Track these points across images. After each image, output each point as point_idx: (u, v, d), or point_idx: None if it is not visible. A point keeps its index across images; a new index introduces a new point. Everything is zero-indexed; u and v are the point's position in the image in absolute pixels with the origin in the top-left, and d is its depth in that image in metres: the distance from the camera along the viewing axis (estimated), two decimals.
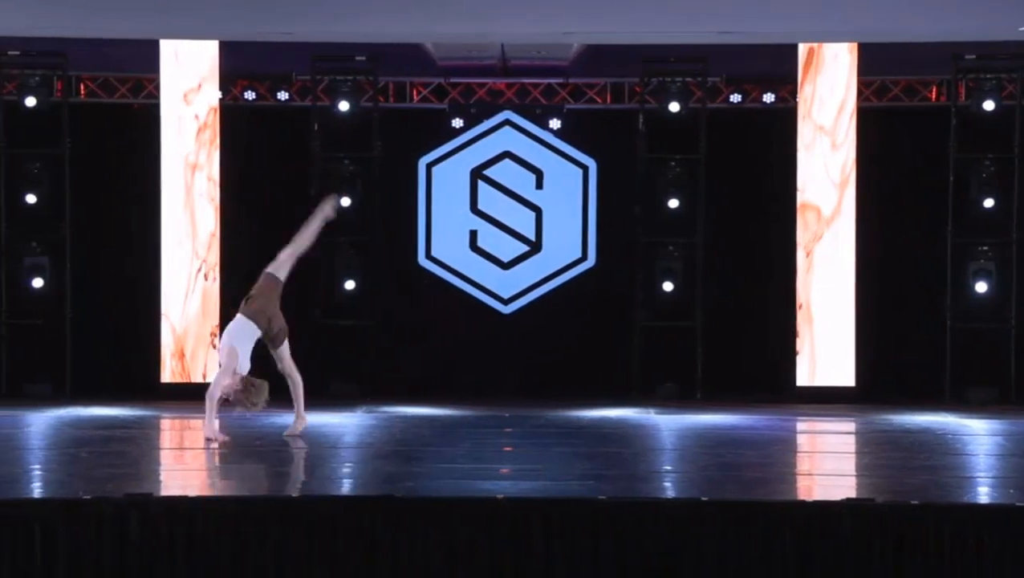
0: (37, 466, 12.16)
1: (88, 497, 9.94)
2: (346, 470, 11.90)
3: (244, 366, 12.51)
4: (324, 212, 13.25)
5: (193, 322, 16.08)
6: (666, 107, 16.19)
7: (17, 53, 15.84)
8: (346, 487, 11.28)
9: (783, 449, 13.47)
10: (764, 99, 16.32)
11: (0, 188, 15.92)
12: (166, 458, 13.17)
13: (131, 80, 16.29)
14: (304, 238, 13.19)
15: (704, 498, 10.14)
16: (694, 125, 16.21)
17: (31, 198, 15.98)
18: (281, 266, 12.97)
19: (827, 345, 16.12)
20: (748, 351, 16.37)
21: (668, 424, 14.44)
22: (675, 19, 13.47)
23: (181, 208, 16.09)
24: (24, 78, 15.92)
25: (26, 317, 15.99)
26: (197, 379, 15.96)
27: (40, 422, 14.20)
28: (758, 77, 16.31)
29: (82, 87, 16.32)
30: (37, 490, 11.00)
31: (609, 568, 9.82)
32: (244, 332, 12.64)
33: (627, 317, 16.33)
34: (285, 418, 13.51)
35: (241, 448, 12.97)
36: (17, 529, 9.64)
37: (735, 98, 16.39)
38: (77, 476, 11.23)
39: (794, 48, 15.98)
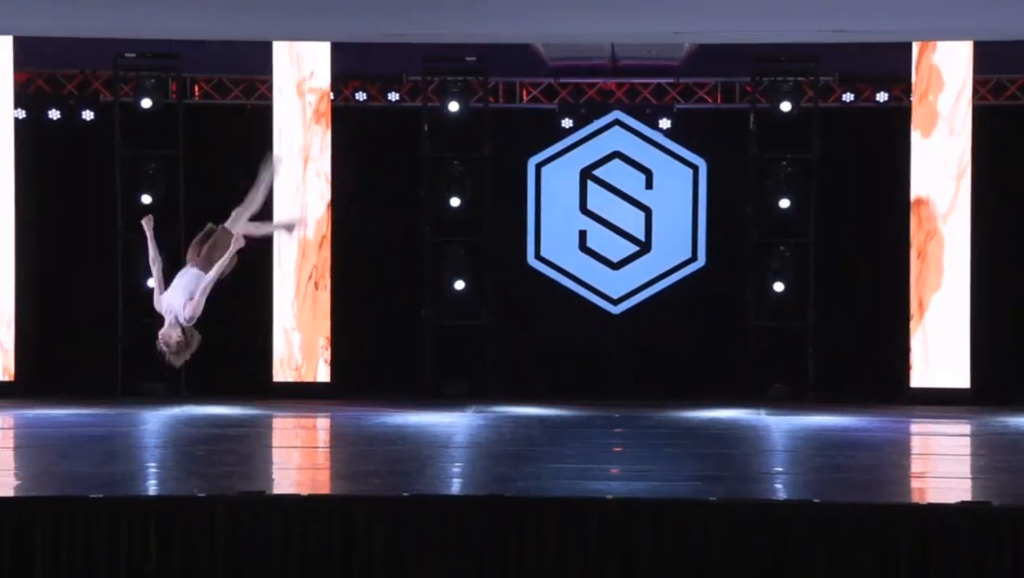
0: (153, 464, 12.33)
1: (202, 495, 10.06)
2: (456, 470, 11.94)
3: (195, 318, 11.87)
4: (269, 171, 12.76)
5: (305, 321, 16.18)
6: (777, 106, 16.08)
7: (133, 55, 16.03)
8: (456, 487, 11.31)
9: (896, 451, 13.33)
10: (877, 98, 16.16)
11: (116, 189, 16.12)
12: (278, 457, 13.29)
13: (244, 81, 16.45)
14: (255, 196, 12.85)
15: (816, 500, 10.06)
16: (806, 124, 16.08)
17: (146, 199, 16.16)
18: (234, 222, 12.52)
19: (941, 345, 15.92)
20: (860, 351, 16.21)
21: (779, 425, 14.34)
22: (788, 18, 13.36)
23: (294, 209, 16.19)
24: (140, 80, 16.11)
25: (142, 317, 16.18)
26: (308, 378, 16.09)
27: (156, 421, 14.38)
28: (871, 76, 16.15)
29: (196, 88, 16.50)
30: (153, 487, 11.15)
31: (719, 570, 9.77)
32: (200, 282, 12.00)
33: (737, 318, 16.24)
34: (395, 418, 13.60)
35: (352, 448, 13.08)
36: (134, 526, 9.78)
37: (847, 97, 16.23)
38: (192, 474, 11.37)
39: (908, 46, 15.81)
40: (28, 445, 13.32)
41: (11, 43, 15.70)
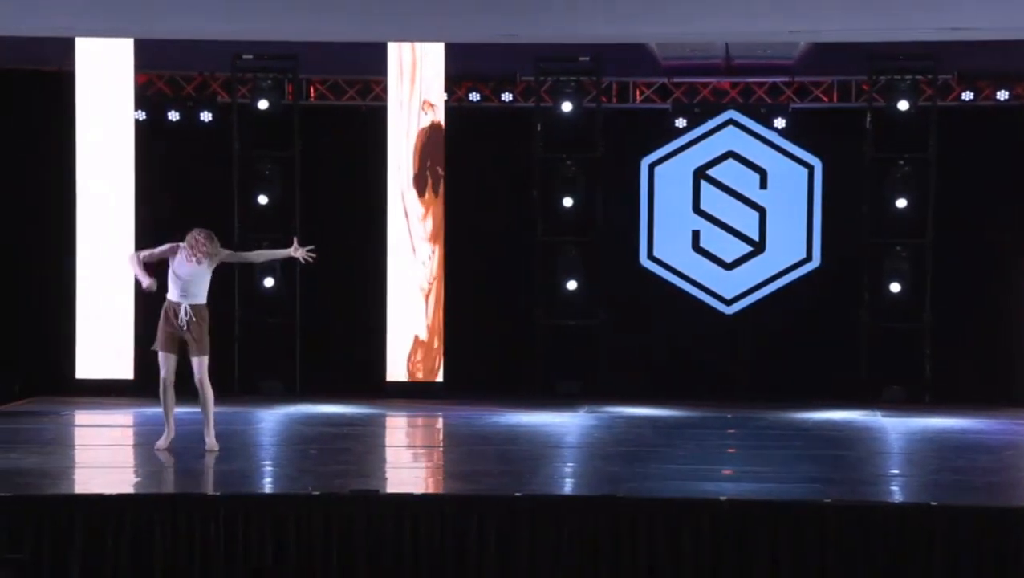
0: (268, 462, 12.45)
1: (316, 493, 10.14)
2: (568, 470, 11.93)
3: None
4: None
5: (419, 321, 16.26)
6: (894, 105, 15.92)
7: (250, 57, 16.20)
8: (568, 487, 11.31)
9: (1016, 453, 13.12)
10: (997, 96, 15.94)
11: (234, 189, 16.31)
12: (391, 456, 13.37)
13: (359, 82, 16.56)
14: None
15: (933, 503, 9.94)
16: (923, 123, 15.91)
17: (263, 199, 16.34)
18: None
19: None
20: (978, 353, 16.00)
21: (895, 427, 14.20)
22: (906, 16, 13.22)
23: (406, 208, 16.29)
24: (257, 81, 16.28)
25: (258, 316, 16.36)
26: (421, 378, 16.17)
27: (271, 419, 14.52)
28: (992, 74, 15.93)
29: (312, 90, 16.64)
30: (268, 485, 11.25)
31: (835, 573, 9.69)
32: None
33: (853, 318, 16.09)
34: (507, 418, 13.61)
35: (465, 447, 13.12)
36: (250, 523, 9.88)
37: (967, 96, 16.03)
38: (306, 472, 11.46)
39: None
40: (147, 443, 13.49)
41: (132, 46, 15.93)
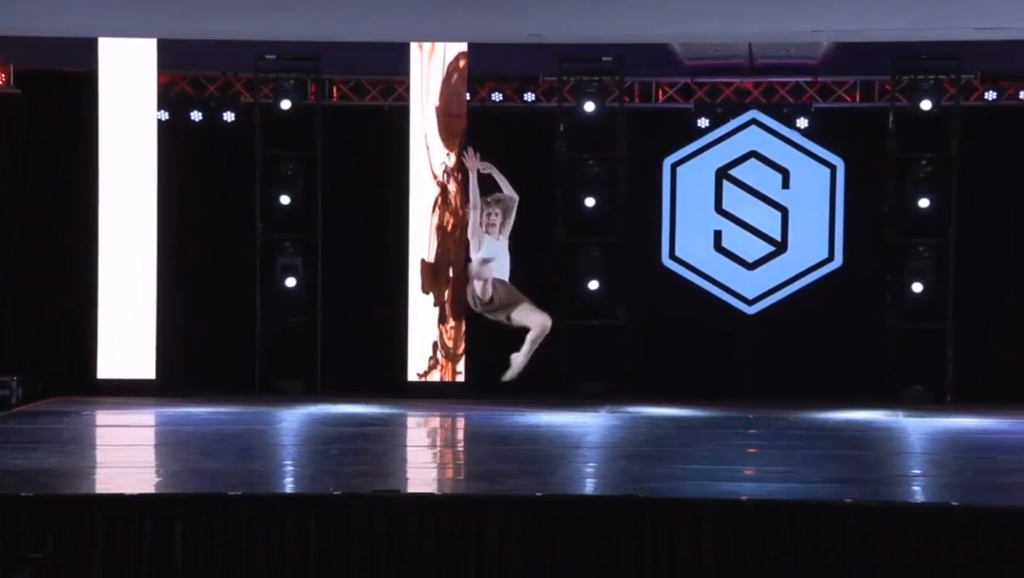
0: (289, 462, 12.47)
1: (338, 493, 10.15)
2: (589, 470, 11.93)
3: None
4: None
5: (441, 321, 16.27)
6: (917, 105, 15.88)
7: (273, 57, 16.22)
8: (589, 487, 11.31)
9: None
10: (1021, 96, 15.89)
11: (256, 189, 16.33)
12: (412, 455, 13.38)
13: (382, 83, 16.57)
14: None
15: (955, 503, 9.92)
16: (946, 123, 15.86)
17: (285, 199, 16.37)
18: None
19: None
20: (1001, 353, 15.95)
21: (917, 427, 14.16)
22: (929, 15, 13.19)
23: (430, 210, 16.29)
24: (279, 82, 16.30)
25: (279, 316, 16.38)
26: (442, 377, 16.19)
27: (292, 419, 14.54)
28: (1015, 73, 15.88)
29: (334, 90, 16.66)
30: (289, 485, 11.27)
31: (856, 573, 9.67)
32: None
33: (875, 318, 16.05)
34: (529, 418, 13.62)
35: (486, 447, 13.12)
36: (272, 523, 9.89)
37: (990, 95, 15.98)
38: (327, 472, 11.48)
39: None
40: (168, 443, 13.54)
41: (155, 46, 15.97)
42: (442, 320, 16.27)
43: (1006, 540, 9.56)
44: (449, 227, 16.25)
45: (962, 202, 15.87)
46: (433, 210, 16.26)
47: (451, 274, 16.22)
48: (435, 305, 16.25)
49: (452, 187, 16.23)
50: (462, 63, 16.14)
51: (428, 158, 16.24)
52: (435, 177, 16.24)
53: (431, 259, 16.24)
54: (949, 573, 9.62)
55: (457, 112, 16.18)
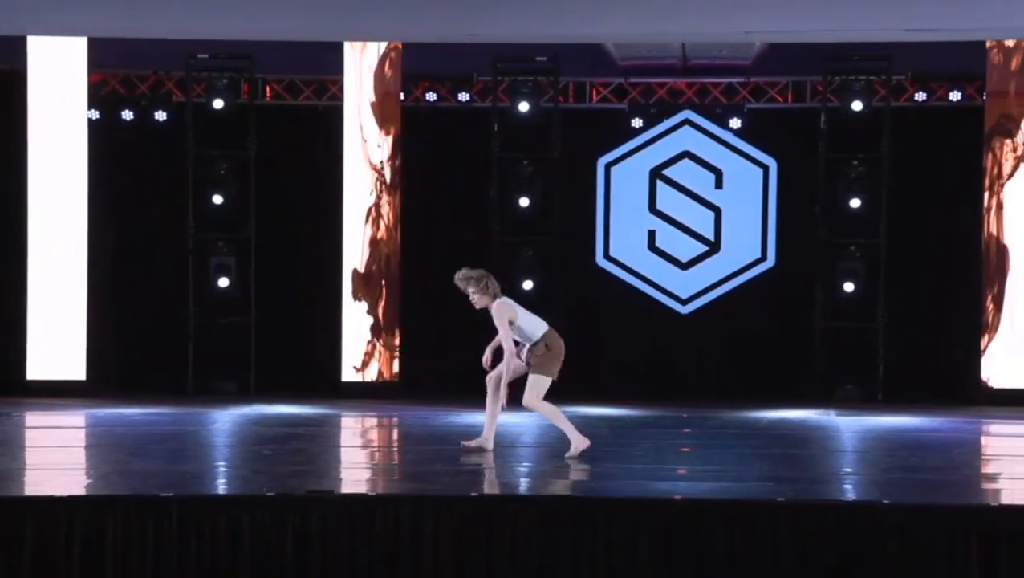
0: (222, 463, 12.40)
1: (271, 494, 10.11)
2: (524, 470, 11.93)
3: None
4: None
5: (375, 322, 16.24)
6: (849, 105, 15.99)
7: (205, 56, 16.15)
8: (524, 487, 11.31)
9: (967, 452, 13.21)
10: (950, 97, 16.03)
11: (188, 189, 16.24)
12: (347, 456, 13.34)
13: (315, 82, 16.52)
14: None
15: (885, 501, 9.99)
16: (877, 123, 15.98)
17: (218, 199, 16.29)
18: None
19: (1014, 347, 15.78)
20: (932, 352, 16.09)
21: (849, 426, 14.25)
22: (860, 17, 13.28)
23: (363, 209, 16.26)
24: (212, 81, 16.22)
25: (213, 316, 16.30)
26: (376, 378, 16.16)
27: (225, 419, 14.47)
28: (945, 74, 16.02)
29: (268, 89, 16.59)
30: (222, 486, 11.21)
31: (788, 571, 9.71)
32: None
33: (807, 318, 16.15)
34: (464, 418, 13.60)
35: (421, 447, 13.10)
36: (204, 524, 9.84)
37: (920, 96, 16.12)
38: (261, 473, 11.42)
39: (981, 44, 15.66)
40: (99, 444, 13.44)
41: (86, 44, 15.85)
42: (376, 333, 16.22)
43: (935, 537, 9.63)
44: (382, 239, 16.21)
45: (893, 202, 15.99)
46: (367, 221, 16.22)
47: (383, 286, 16.18)
48: (368, 314, 16.20)
49: (389, 177, 16.19)
50: (393, 55, 16.11)
51: (364, 151, 16.20)
52: (372, 167, 16.17)
53: (363, 269, 16.20)
54: (878, 570, 9.68)
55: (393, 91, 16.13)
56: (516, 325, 11.86)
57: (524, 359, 11.93)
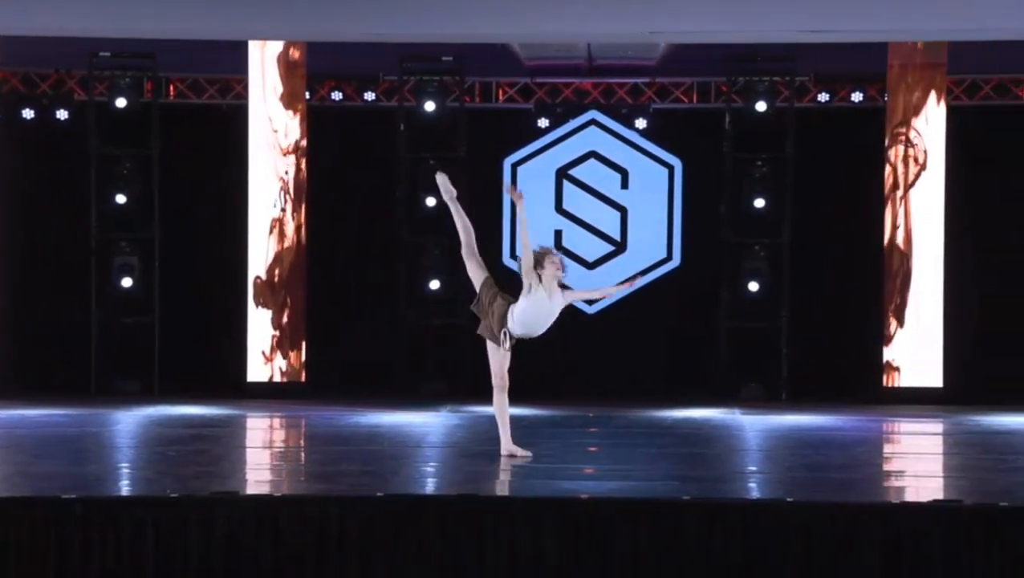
0: (125, 464, 12.29)
1: (175, 495, 10.03)
2: (430, 470, 11.92)
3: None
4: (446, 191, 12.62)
5: (280, 321, 16.16)
6: (752, 106, 16.11)
7: (108, 55, 16.01)
8: (430, 487, 11.30)
9: (869, 450, 13.35)
10: (852, 98, 16.20)
11: (91, 188, 16.09)
12: (251, 457, 13.27)
13: (220, 81, 16.42)
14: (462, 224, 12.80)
15: (789, 499, 10.08)
16: (781, 124, 16.12)
17: (121, 198, 16.15)
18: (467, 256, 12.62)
19: (915, 346, 15.98)
20: (834, 352, 16.25)
21: (753, 425, 14.36)
22: (763, 18, 13.39)
23: (269, 208, 16.18)
24: (115, 79, 16.08)
25: (116, 316, 16.16)
26: (277, 378, 16.09)
27: (128, 420, 14.34)
28: (847, 75, 16.19)
29: (171, 88, 16.47)
30: (125, 488, 11.11)
31: (693, 569, 9.77)
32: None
33: (712, 317, 16.27)
34: (370, 418, 13.57)
35: (326, 448, 13.06)
36: (106, 526, 9.75)
37: (823, 97, 16.27)
38: (164, 474, 11.33)
39: (884, 46, 15.84)
40: (0, 446, 13.27)
41: None
42: (281, 332, 16.14)
43: (838, 536, 9.73)
44: (287, 236, 16.13)
45: (796, 202, 16.13)
46: (271, 220, 16.14)
47: (289, 288, 16.10)
48: (273, 315, 16.12)
49: (294, 177, 16.12)
50: (298, 54, 16.05)
51: (269, 149, 16.11)
52: (277, 167, 16.08)
53: (267, 268, 16.11)
54: (784, 568, 9.75)
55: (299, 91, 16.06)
56: (520, 308, 11.83)
57: (507, 347, 11.89)
